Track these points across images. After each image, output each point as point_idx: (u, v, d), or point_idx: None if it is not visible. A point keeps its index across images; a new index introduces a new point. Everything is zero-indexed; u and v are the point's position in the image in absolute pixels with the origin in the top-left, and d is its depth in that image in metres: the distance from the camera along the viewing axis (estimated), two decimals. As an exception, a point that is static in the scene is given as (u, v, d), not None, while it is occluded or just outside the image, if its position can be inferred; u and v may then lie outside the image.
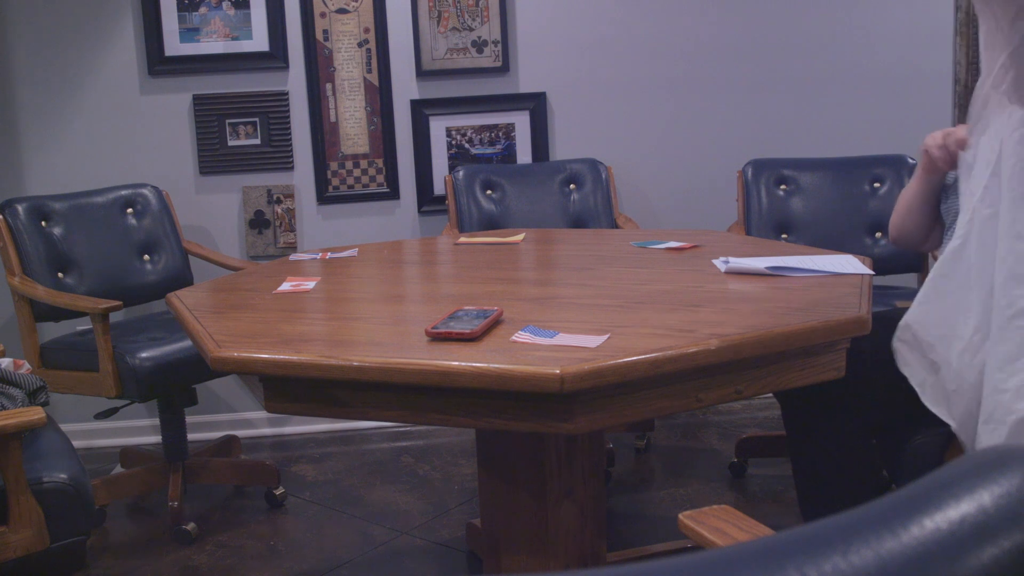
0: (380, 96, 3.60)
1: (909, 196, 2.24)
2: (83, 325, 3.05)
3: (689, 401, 1.60)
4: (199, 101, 3.53)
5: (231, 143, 3.57)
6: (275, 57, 3.54)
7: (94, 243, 3.20)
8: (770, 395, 3.09)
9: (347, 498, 3.08)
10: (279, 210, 3.61)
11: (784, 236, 3.29)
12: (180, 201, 3.49)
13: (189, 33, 3.50)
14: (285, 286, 2.20)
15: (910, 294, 3.08)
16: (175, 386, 2.94)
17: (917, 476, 0.57)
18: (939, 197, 2.19)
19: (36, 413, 1.86)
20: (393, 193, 3.67)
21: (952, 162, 2.00)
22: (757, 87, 3.73)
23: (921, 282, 3.27)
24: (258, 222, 3.61)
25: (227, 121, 3.56)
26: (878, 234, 3.26)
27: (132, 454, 3.33)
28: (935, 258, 2.21)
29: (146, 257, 3.29)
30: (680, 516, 1.24)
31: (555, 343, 1.58)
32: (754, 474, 3.11)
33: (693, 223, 3.56)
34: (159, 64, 3.50)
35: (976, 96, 1.78)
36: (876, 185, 3.28)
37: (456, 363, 1.51)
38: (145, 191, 3.35)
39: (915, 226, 2.26)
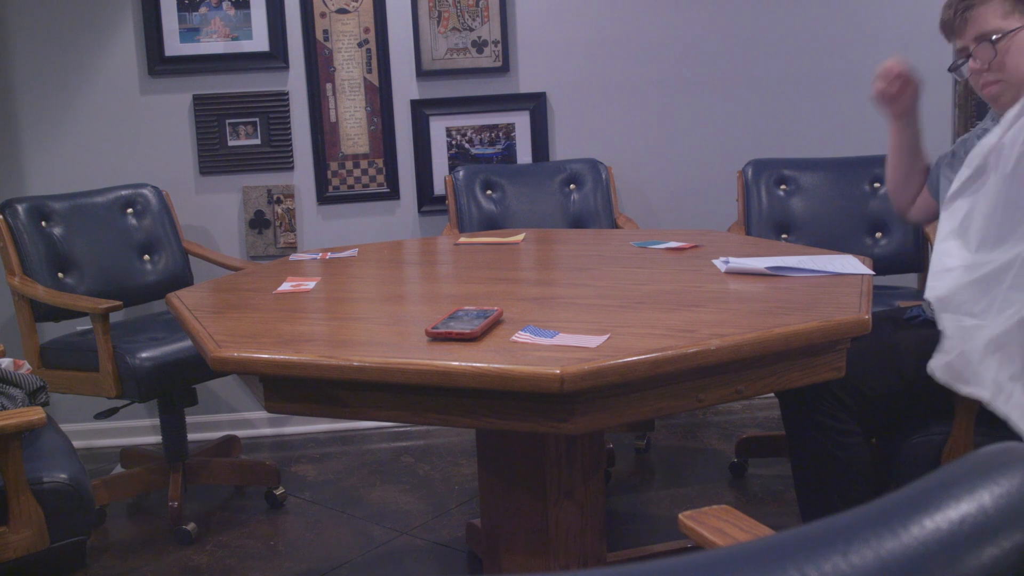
0: (380, 96, 3.60)
1: (888, 147, 2.29)
2: (83, 325, 3.05)
3: (689, 401, 1.60)
4: (199, 101, 3.53)
5: (231, 143, 3.57)
6: (275, 57, 3.54)
7: (94, 243, 3.20)
8: (770, 395, 3.09)
9: (347, 498, 3.08)
10: (279, 210, 3.61)
11: (784, 236, 3.29)
12: (180, 201, 3.49)
13: (189, 33, 3.50)
14: (285, 286, 2.20)
15: (910, 294, 3.09)
16: (175, 386, 2.94)
17: (915, 476, 0.57)
18: (917, 148, 2.25)
19: (36, 413, 1.86)
20: (393, 193, 3.67)
21: (895, 93, 2.15)
22: (757, 87, 3.73)
23: (922, 282, 3.27)
24: (258, 222, 3.61)
25: (227, 121, 3.56)
26: (878, 234, 3.26)
27: (132, 454, 3.33)
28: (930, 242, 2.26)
29: (146, 257, 3.29)
30: (680, 516, 1.24)
31: (555, 343, 1.58)
32: (754, 474, 3.11)
33: (693, 223, 3.56)
34: (159, 64, 3.50)
35: None
36: (876, 185, 3.28)
37: (456, 363, 1.51)
38: (145, 191, 3.35)
39: (898, 184, 2.30)
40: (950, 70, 2.11)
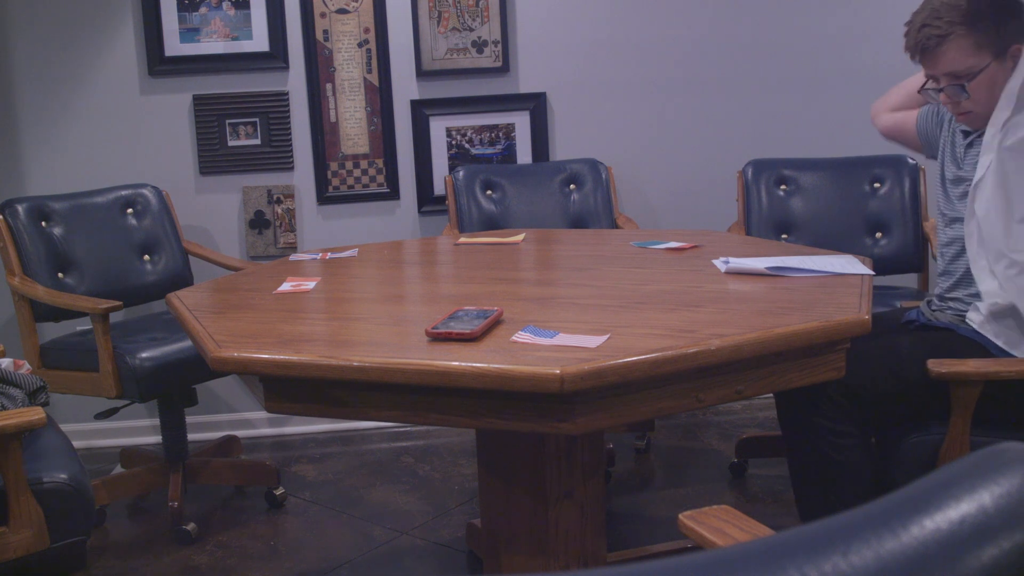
0: (380, 96, 3.60)
1: (906, 84, 2.43)
2: (83, 325, 3.05)
3: (689, 401, 1.60)
4: (199, 101, 3.53)
5: (231, 143, 3.57)
6: (275, 57, 3.54)
7: (94, 243, 3.20)
8: (770, 395, 3.09)
9: (347, 498, 3.08)
10: (279, 210, 3.61)
11: (784, 236, 3.29)
12: (180, 201, 3.49)
13: (189, 33, 3.50)
14: (285, 286, 2.21)
15: (910, 294, 3.09)
16: (175, 386, 2.94)
17: (912, 476, 0.57)
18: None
19: (36, 413, 1.87)
20: (393, 193, 3.67)
21: None
22: (757, 87, 3.73)
23: (922, 282, 3.27)
24: (258, 222, 3.61)
25: (227, 121, 3.56)
26: (878, 234, 3.26)
27: (132, 454, 3.33)
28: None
29: (146, 257, 3.29)
30: (680, 516, 1.24)
31: (555, 343, 1.58)
32: (754, 474, 3.11)
33: (693, 223, 3.56)
34: (159, 64, 3.50)
35: None
36: (876, 185, 3.28)
37: (456, 363, 1.51)
38: (145, 191, 3.35)
39: (894, 109, 2.43)
40: (919, 92, 2.16)
